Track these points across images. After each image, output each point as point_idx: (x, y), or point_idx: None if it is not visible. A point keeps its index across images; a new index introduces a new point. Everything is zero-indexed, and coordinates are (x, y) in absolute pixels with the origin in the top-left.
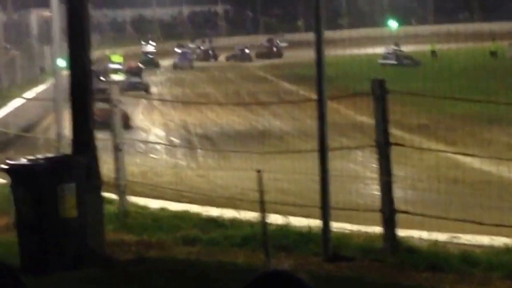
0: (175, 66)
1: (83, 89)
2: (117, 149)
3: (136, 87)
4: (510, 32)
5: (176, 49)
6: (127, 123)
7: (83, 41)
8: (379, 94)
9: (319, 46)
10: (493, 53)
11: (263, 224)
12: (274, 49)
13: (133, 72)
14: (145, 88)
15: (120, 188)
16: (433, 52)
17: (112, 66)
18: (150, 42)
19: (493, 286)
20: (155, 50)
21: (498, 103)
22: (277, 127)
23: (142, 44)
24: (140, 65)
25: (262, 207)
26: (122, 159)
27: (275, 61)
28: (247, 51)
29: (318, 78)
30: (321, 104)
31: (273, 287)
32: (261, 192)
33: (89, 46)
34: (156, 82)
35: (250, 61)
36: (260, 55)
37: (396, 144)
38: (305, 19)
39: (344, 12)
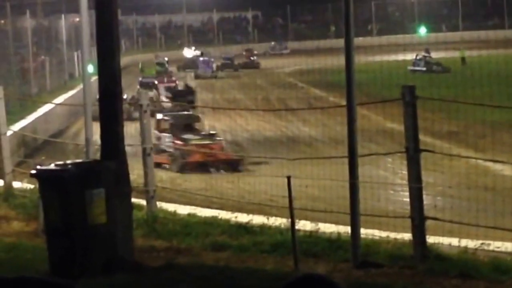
0: (197, 76)
1: (111, 94)
2: (146, 155)
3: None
4: None
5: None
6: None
7: (112, 47)
8: (408, 100)
9: (348, 52)
10: None
11: (292, 230)
12: (252, 59)
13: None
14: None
15: (149, 193)
16: (462, 59)
17: (143, 81)
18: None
19: None
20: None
21: None
22: (307, 133)
23: (188, 50)
24: (189, 84)
25: (292, 213)
26: (151, 164)
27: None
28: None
29: (347, 84)
30: (350, 110)
31: None
32: (290, 198)
33: (118, 52)
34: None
35: (236, 70)
36: (225, 66)
37: (426, 151)
38: (335, 25)
39: (374, 19)
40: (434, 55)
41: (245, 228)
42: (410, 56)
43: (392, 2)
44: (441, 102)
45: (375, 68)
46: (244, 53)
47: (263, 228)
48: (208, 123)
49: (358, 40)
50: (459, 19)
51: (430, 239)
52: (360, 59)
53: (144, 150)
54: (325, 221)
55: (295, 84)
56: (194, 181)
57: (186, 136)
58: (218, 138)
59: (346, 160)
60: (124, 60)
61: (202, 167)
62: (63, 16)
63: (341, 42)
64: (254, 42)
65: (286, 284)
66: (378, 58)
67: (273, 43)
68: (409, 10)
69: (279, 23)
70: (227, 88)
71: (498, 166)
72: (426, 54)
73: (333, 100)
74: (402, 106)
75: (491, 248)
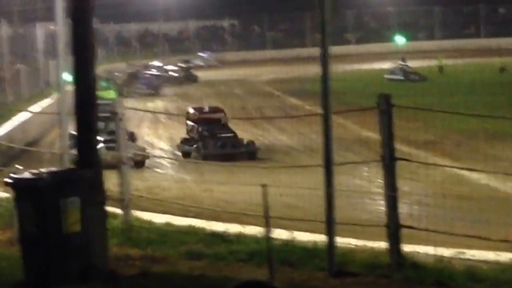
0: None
1: (87, 104)
2: (121, 163)
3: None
4: None
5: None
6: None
7: (87, 57)
8: (384, 109)
9: (324, 61)
10: (502, 69)
11: (268, 239)
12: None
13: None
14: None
15: (124, 202)
16: (440, 68)
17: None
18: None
19: None
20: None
21: (504, 119)
22: (284, 142)
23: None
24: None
25: (267, 222)
26: (126, 173)
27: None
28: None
29: (323, 93)
30: (326, 119)
31: None
32: (266, 207)
33: (93, 62)
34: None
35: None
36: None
37: (402, 159)
38: (313, 34)
39: (351, 28)
40: (411, 63)
41: (221, 237)
42: (387, 65)
43: (369, 11)
44: (418, 111)
45: (352, 77)
46: (183, 65)
47: (239, 237)
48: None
49: (335, 49)
50: (436, 28)
51: (406, 248)
52: (337, 68)
53: (119, 159)
54: (301, 230)
55: (272, 92)
56: (171, 190)
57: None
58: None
59: (322, 169)
60: (101, 68)
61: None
62: (38, 24)
63: (318, 51)
64: (231, 51)
65: None
66: (355, 66)
67: (202, 53)
68: (386, 19)
69: (256, 32)
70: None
71: (474, 175)
72: (403, 63)
73: (309, 109)
74: (378, 114)
75: (466, 256)
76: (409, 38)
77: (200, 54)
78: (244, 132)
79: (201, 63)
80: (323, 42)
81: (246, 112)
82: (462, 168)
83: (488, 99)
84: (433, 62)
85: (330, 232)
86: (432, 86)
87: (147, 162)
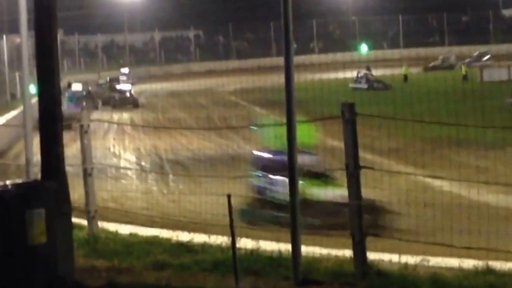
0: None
1: (51, 115)
2: (87, 175)
3: None
4: (481, 55)
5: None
6: None
7: (52, 69)
8: (348, 118)
9: (288, 70)
10: (464, 77)
11: (233, 248)
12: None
13: None
14: None
15: (90, 213)
16: (405, 76)
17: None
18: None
19: None
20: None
21: (468, 126)
22: (249, 151)
23: None
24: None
25: (232, 231)
26: (92, 184)
27: None
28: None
29: (287, 103)
30: (290, 128)
31: None
32: (231, 216)
33: (58, 74)
34: None
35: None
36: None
37: (366, 167)
38: (277, 43)
39: (316, 37)
40: (375, 72)
41: (186, 247)
42: (351, 74)
43: (333, 20)
44: (382, 119)
45: (316, 86)
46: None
47: (204, 246)
48: (151, 142)
49: (299, 58)
50: (400, 36)
51: (371, 256)
52: (301, 77)
53: (85, 170)
54: (266, 239)
55: (237, 102)
56: (137, 201)
57: None
58: None
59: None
60: (66, 81)
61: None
62: (4, 36)
63: (283, 60)
64: (196, 61)
65: None
66: (319, 76)
67: (124, 69)
68: (351, 28)
69: (221, 42)
70: None
71: (437, 182)
72: (367, 72)
73: (274, 118)
74: (342, 123)
75: (431, 264)
76: (374, 47)
77: (122, 70)
78: (209, 142)
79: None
80: (286, 51)
81: (211, 121)
82: (426, 176)
83: (452, 107)
84: (397, 71)
85: (295, 241)
86: (396, 95)
87: (113, 173)
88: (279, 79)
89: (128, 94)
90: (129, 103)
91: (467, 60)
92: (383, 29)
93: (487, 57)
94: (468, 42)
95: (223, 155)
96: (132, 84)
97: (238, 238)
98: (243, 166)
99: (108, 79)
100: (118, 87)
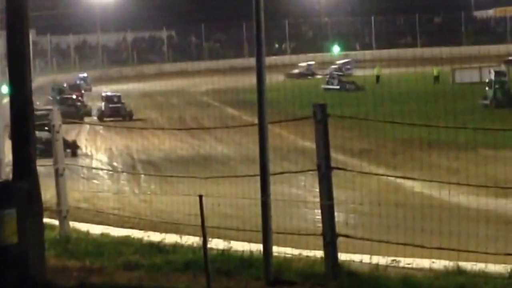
0: None
1: (23, 116)
2: (58, 175)
3: None
4: (453, 57)
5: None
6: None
7: (23, 70)
8: (320, 118)
9: (260, 71)
10: (436, 78)
11: (204, 248)
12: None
13: None
14: None
15: (61, 213)
16: (377, 77)
17: None
18: None
19: None
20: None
21: (439, 127)
22: (221, 152)
23: None
24: None
25: (204, 231)
26: (63, 184)
27: None
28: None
29: (259, 103)
30: (262, 129)
31: None
32: (202, 216)
33: (30, 73)
34: None
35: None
36: None
37: (337, 168)
38: (249, 44)
39: (288, 38)
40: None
41: (158, 247)
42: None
43: (306, 21)
44: (354, 120)
45: (288, 87)
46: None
47: (175, 246)
48: (123, 142)
49: (271, 59)
50: (372, 37)
51: (342, 256)
52: (274, 78)
53: (56, 170)
54: (238, 240)
55: (209, 103)
56: (108, 201)
57: None
58: None
59: (258, 178)
60: (39, 80)
61: None
62: None
63: (254, 61)
64: (168, 62)
65: None
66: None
67: (81, 75)
68: (323, 29)
69: (193, 43)
70: None
71: (409, 183)
72: (339, 73)
73: (246, 119)
74: (313, 124)
75: (402, 264)
76: (346, 48)
77: (80, 74)
78: (181, 143)
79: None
80: (258, 52)
81: (183, 122)
82: (397, 177)
83: (423, 108)
84: (369, 72)
85: (266, 241)
86: (368, 96)
87: (85, 173)
88: (251, 79)
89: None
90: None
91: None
92: (355, 30)
93: (348, 66)
94: (440, 44)
95: (195, 156)
96: (86, 90)
97: (210, 238)
98: (214, 166)
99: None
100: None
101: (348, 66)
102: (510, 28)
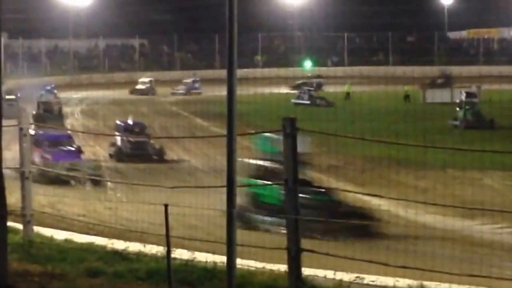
0: None
1: None
2: (24, 178)
3: None
4: (424, 76)
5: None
6: None
7: None
8: (289, 132)
9: (231, 83)
10: (406, 97)
11: (168, 258)
12: None
13: None
14: None
15: (25, 217)
16: (347, 94)
17: None
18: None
19: None
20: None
21: (408, 146)
22: (188, 162)
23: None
24: None
25: (168, 241)
26: (29, 188)
27: None
28: None
29: (228, 115)
30: (230, 140)
31: None
32: (167, 226)
33: (1, 75)
34: None
35: None
36: None
37: (304, 183)
38: (221, 56)
39: (260, 51)
40: (313, 88)
41: (121, 255)
42: (294, 90)
43: (278, 35)
44: (323, 136)
45: (259, 100)
46: None
47: (139, 255)
48: (90, 149)
49: (243, 72)
50: (345, 54)
51: (306, 271)
52: (245, 90)
53: (22, 173)
54: (202, 251)
55: (179, 113)
56: (74, 207)
57: None
58: None
59: (225, 190)
60: (9, 84)
61: None
62: None
63: (225, 73)
64: (140, 70)
65: None
66: (263, 90)
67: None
68: (295, 44)
69: (165, 52)
70: None
71: (376, 201)
72: (310, 88)
73: (215, 130)
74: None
75: (366, 281)
76: (318, 63)
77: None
78: None
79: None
80: (229, 64)
81: (151, 131)
82: (364, 194)
83: (393, 127)
84: (340, 88)
85: (230, 254)
86: (338, 112)
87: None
88: (221, 91)
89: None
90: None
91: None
92: (328, 46)
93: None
94: (412, 62)
95: (161, 165)
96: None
97: (174, 248)
98: (180, 175)
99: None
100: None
101: None
102: (482, 49)
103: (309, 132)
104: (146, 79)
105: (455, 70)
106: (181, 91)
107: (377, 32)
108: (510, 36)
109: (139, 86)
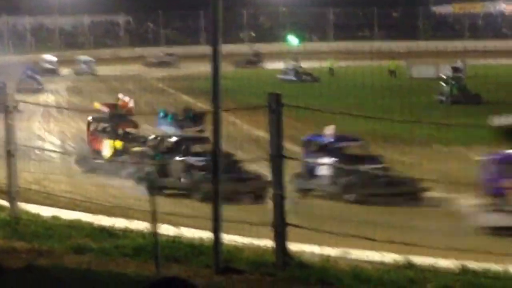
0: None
1: None
2: (9, 155)
3: None
4: (409, 51)
5: None
6: None
7: None
8: (274, 108)
9: (215, 59)
10: (391, 72)
11: (155, 234)
12: None
13: None
14: None
15: (11, 194)
16: (330, 69)
17: None
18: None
19: None
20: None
21: (393, 121)
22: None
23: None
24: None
25: (154, 217)
26: (14, 165)
27: None
28: None
29: (213, 91)
30: (216, 117)
31: None
32: (153, 202)
33: None
34: None
35: None
36: None
37: (290, 158)
38: (206, 32)
39: (245, 27)
40: (304, 64)
41: (108, 232)
42: (281, 65)
43: (264, 11)
44: (309, 112)
45: (245, 76)
46: None
47: (126, 231)
48: (76, 125)
49: (228, 47)
50: (329, 29)
51: (292, 247)
52: (230, 66)
53: (8, 151)
54: (189, 226)
55: (164, 89)
56: (60, 183)
57: None
58: None
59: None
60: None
61: None
62: None
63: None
64: (125, 47)
65: (148, 285)
66: (249, 66)
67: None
68: (281, 19)
69: (150, 28)
70: None
71: None
72: (296, 64)
73: (200, 106)
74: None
75: (352, 256)
76: (303, 39)
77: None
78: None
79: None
80: (214, 40)
81: (137, 108)
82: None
83: (378, 102)
84: (325, 64)
85: (216, 230)
86: (324, 88)
87: (37, 154)
88: (207, 67)
89: None
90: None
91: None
92: (313, 21)
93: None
94: (397, 38)
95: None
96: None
97: (160, 224)
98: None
99: None
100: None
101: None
102: (468, 24)
103: (295, 108)
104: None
105: (440, 44)
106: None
107: (363, 7)
108: (495, 10)
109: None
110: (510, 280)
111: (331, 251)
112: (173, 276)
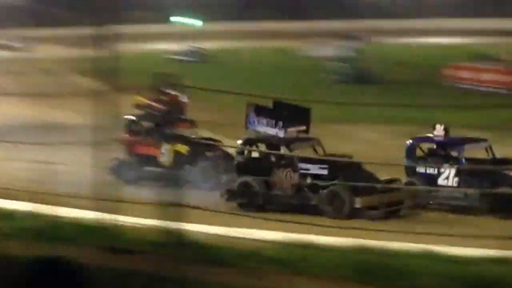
0: None
1: None
2: None
3: None
4: (304, 32)
5: None
6: None
7: None
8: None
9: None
10: (283, 52)
11: (42, 215)
12: None
13: None
14: None
15: None
16: (224, 50)
17: None
18: None
19: (269, 279)
20: None
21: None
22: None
23: None
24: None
25: (41, 198)
26: None
27: None
28: None
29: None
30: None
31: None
32: (40, 183)
33: None
34: None
35: None
36: None
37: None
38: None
39: (135, 7)
40: (197, 45)
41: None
42: (174, 46)
43: None
44: (199, 92)
45: (136, 57)
46: None
47: (13, 212)
48: None
49: (118, 28)
50: (217, 9)
51: (184, 226)
52: (126, 47)
53: None
54: (78, 207)
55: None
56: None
57: None
58: None
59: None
60: None
61: None
62: None
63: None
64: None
65: (32, 266)
66: (141, 46)
67: None
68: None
69: (38, 8)
70: None
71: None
72: (191, 45)
73: (95, 88)
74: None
75: (247, 236)
76: (204, 19)
77: None
78: (23, 110)
79: None
80: (99, 20)
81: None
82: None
83: (272, 82)
84: (216, 45)
85: (104, 209)
86: (214, 68)
87: None
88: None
89: None
90: None
91: None
92: (204, 1)
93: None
94: (294, 18)
95: (42, 123)
96: None
97: (48, 204)
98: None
99: None
100: None
101: None
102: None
103: (185, 87)
104: None
105: (335, 24)
106: None
107: None
108: None
109: None
110: None
111: (218, 230)
112: (58, 256)
